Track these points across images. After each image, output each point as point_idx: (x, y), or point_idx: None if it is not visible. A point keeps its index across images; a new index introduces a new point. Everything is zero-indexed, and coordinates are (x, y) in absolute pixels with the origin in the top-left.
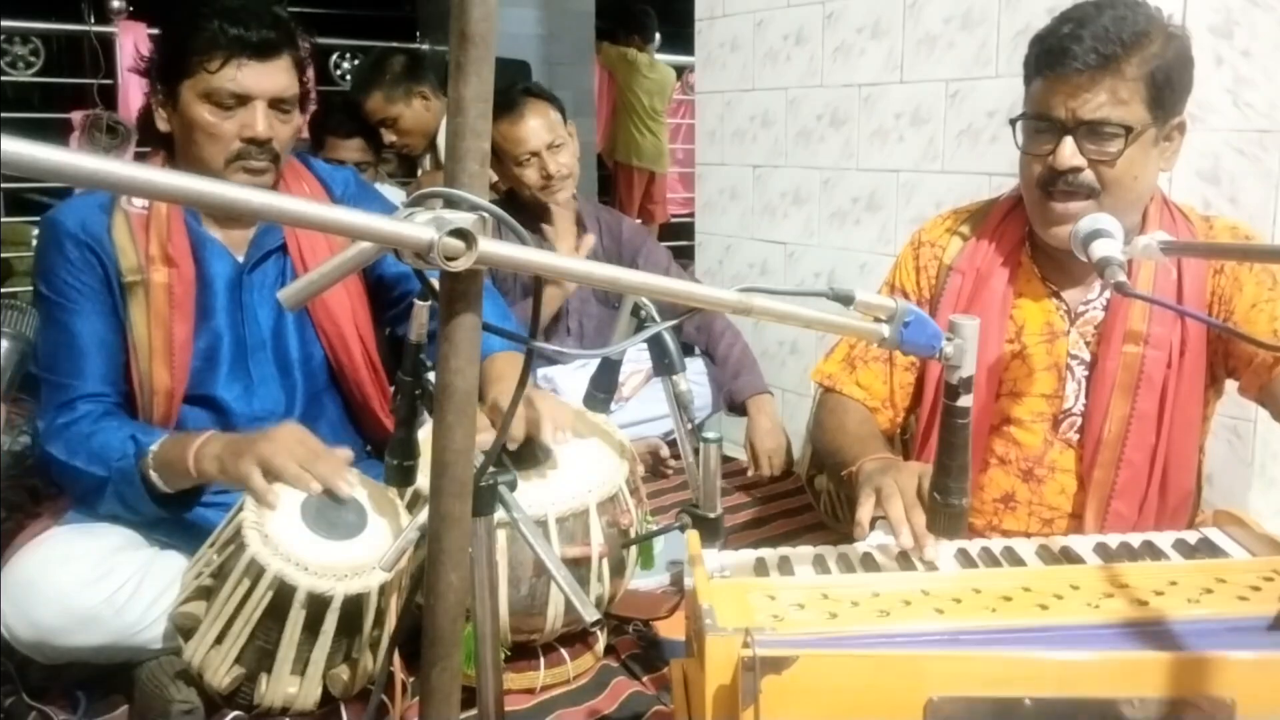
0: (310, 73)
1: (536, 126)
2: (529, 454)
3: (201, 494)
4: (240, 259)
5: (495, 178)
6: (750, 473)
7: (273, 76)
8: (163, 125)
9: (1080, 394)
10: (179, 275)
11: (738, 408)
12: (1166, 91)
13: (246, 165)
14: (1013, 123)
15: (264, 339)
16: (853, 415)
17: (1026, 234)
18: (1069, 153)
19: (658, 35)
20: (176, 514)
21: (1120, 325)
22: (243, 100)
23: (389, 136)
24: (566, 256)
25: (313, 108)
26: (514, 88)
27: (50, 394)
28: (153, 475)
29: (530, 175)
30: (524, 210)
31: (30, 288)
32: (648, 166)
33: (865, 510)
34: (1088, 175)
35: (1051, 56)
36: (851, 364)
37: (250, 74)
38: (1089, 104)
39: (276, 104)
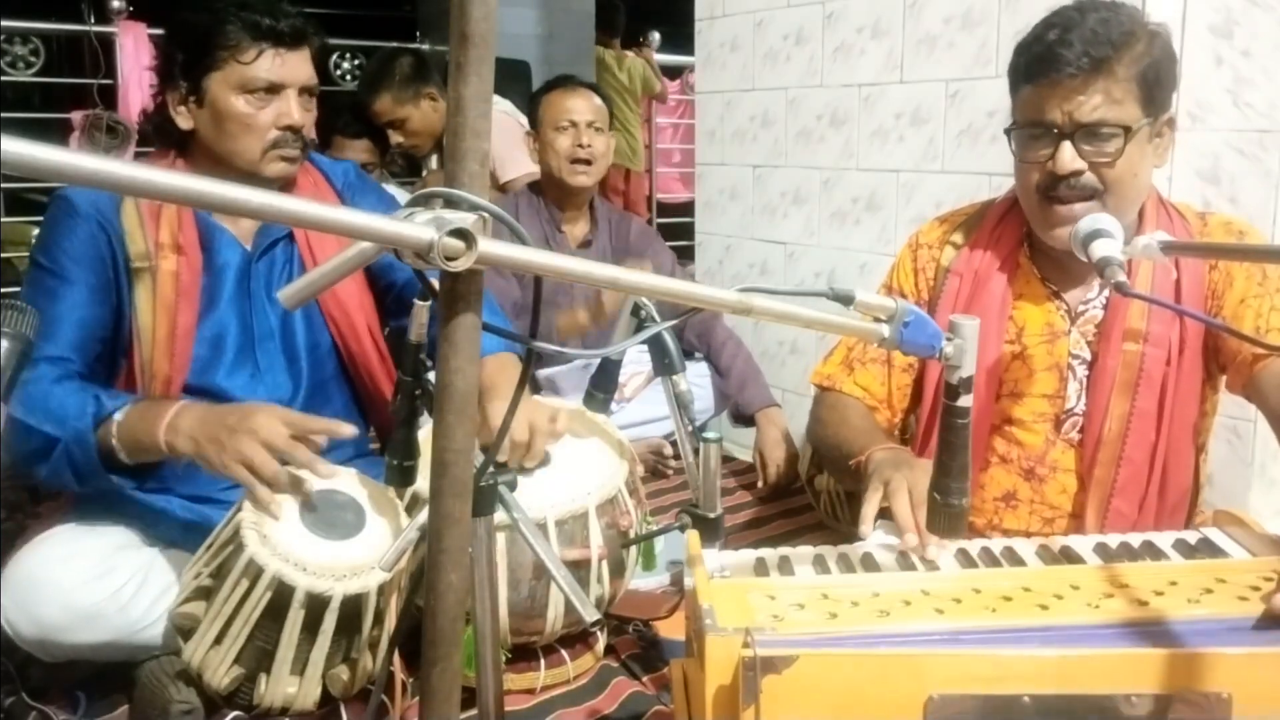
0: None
1: (582, 103)
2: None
3: (157, 470)
4: (248, 248)
5: (519, 172)
6: (760, 484)
7: (303, 66)
8: (185, 123)
9: (1081, 394)
10: (186, 263)
11: (745, 420)
12: (1157, 89)
13: (283, 154)
14: (1007, 132)
15: (272, 328)
16: (854, 410)
17: (1024, 235)
18: (1069, 157)
19: (656, 35)
20: (126, 485)
21: (1120, 323)
22: (276, 89)
23: (396, 138)
24: (571, 246)
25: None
26: (574, 78)
27: None
28: (114, 443)
29: (563, 141)
30: (555, 196)
31: None
32: (621, 164)
33: (871, 506)
34: (1089, 178)
35: (1042, 63)
36: (850, 365)
37: (284, 63)
38: (1084, 106)
39: (304, 92)
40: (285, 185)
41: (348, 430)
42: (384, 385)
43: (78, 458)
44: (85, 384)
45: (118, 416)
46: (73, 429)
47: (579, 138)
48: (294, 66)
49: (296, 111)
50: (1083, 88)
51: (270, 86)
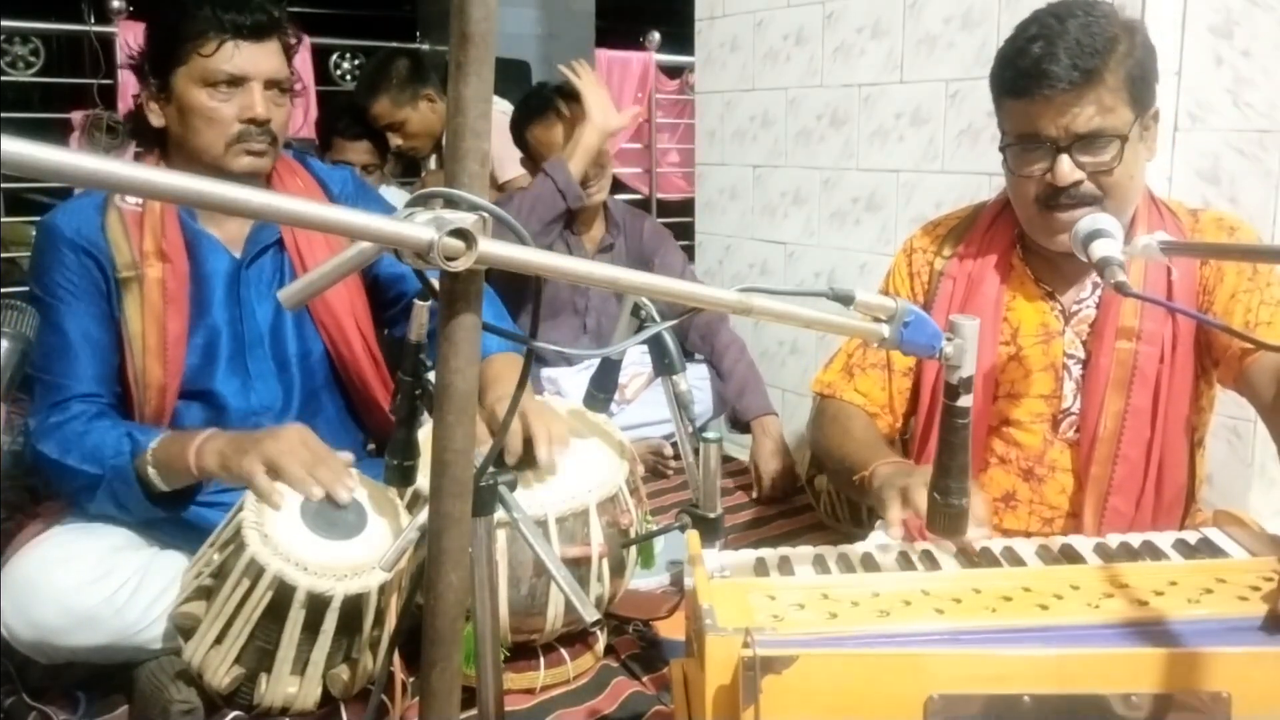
0: (309, 61)
1: (568, 131)
2: (524, 459)
3: (196, 494)
4: (237, 255)
5: (518, 172)
6: (754, 493)
7: (267, 58)
8: (156, 120)
9: (1078, 393)
10: (173, 271)
11: (742, 426)
12: (1143, 86)
13: (248, 147)
14: (1003, 150)
15: (261, 334)
16: (856, 421)
17: (1016, 237)
18: (1068, 169)
19: (656, 35)
20: (170, 513)
21: (1113, 322)
22: (239, 82)
23: (395, 140)
24: (590, 250)
25: (314, 110)
26: (545, 87)
27: (44, 393)
28: (151, 473)
29: None
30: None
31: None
32: None
33: (895, 511)
34: (1088, 186)
35: (1030, 80)
36: (850, 372)
37: (246, 55)
38: (1079, 118)
39: (271, 85)
40: (269, 185)
41: (345, 496)
42: (378, 392)
43: (121, 493)
44: (117, 420)
45: (151, 446)
46: (112, 467)
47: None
48: (257, 58)
49: (260, 104)
50: (1075, 100)
51: (232, 79)
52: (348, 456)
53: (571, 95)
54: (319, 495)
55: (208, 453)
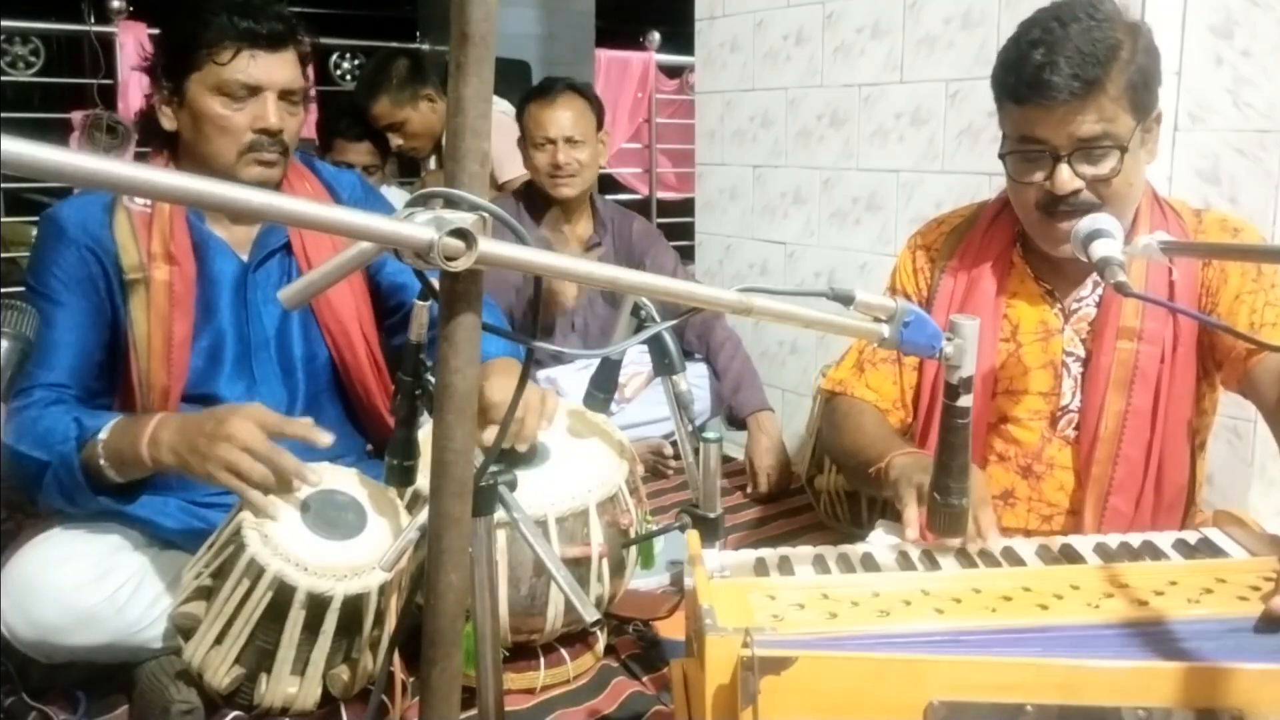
0: (310, 70)
1: (563, 117)
2: (520, 453)
3: (146, 487)
4: (245, 258)
5: (518, 172)
6: (749, 489)
7: (282, 68)
8: (168, 124)
9: (1076, 391)
10: (180, 274)
11: (738, 422)
12: (1144, 93)
13: (259, 157)
14: (1002, 157)
15: (268, 338)
16: (868, 416)
17: (1017, 235)
18: (1066, 177)
19: (656, 35)
20: (118, 505)
21: (1113, 322)
22: (254, 92)
23: (396, 141)
24: (576, 249)
25: (314, 110)
26: (561, 80)
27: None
28: (102, 463)
29: (541, 159)
30: (542, 203)
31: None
32: None
33: (913, 510)
34: (1087, 195)
35: (1030, 89)
36: (861, 368)
37: (261, 65)
38: (1081, 126)
39: (285, 96)
40: (279, 190)
41: (324, 439)
42: (379, 398)
43: (65, 480)
44: (73, 407)
45: (102, 435)
46: (58, 453)
47: (555, 156)
48: (272, 68)
49: (273, 114)
50: (1077, 110)
51: (247, 89)
52: (304, 421)
53: (579, 90)
54: (296, 493)
55: (162, 446)
